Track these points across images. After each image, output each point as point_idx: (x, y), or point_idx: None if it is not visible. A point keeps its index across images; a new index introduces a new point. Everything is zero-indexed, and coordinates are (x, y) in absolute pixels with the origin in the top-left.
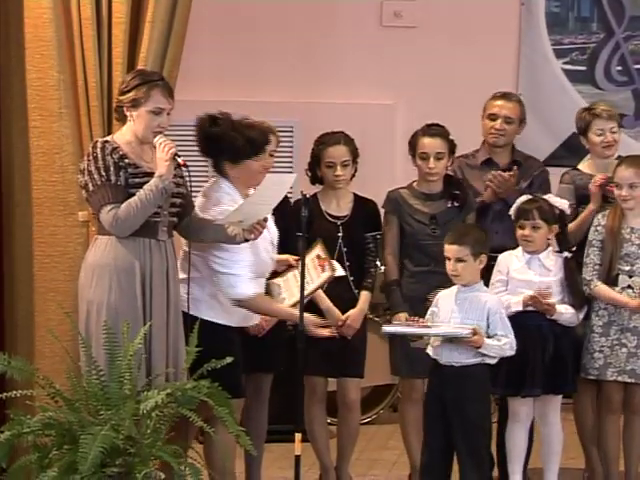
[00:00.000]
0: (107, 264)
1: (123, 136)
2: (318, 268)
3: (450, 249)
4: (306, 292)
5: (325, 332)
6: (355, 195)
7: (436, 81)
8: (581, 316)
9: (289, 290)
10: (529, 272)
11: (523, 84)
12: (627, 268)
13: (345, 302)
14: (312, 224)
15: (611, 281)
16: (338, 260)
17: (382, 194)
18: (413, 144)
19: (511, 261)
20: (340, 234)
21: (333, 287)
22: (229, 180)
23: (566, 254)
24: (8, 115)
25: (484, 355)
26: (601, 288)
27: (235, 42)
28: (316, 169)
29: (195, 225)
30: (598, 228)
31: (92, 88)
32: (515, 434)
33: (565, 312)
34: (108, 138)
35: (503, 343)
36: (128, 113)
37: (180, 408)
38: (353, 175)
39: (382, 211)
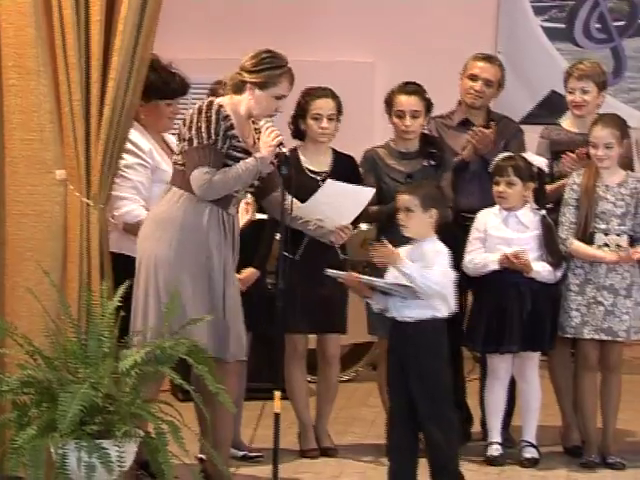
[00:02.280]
0: (174, 218)
1: (235, 106)
2: (244, 212)
3: (400, 198)
4: None
5: None
6: (334, 151)
7: (415, 39)
8: (559, 274)
9: None
10: (506, 229)
11: (502, 42)
12: (603, 226)
13: (324, 256)
14: (291, 179)
15: (587, 239)
16: None
17: (361, 152)
18: (389, 102)
19: (488, 218)
20: None
21: (313, 241)
22: (140, 122)
23: (543, 212)
24: None
25: (435, 309)
26: (577, 245)
27: (216, 1)
28: (300, 122)
29: (290, 218)
30: (574, 187)
31: (70, 46)
32: (494, 391)
33: (542, 270)
34: (222, 103)
35: (422, 267)
36: (250, 91)
37: (159, 366)
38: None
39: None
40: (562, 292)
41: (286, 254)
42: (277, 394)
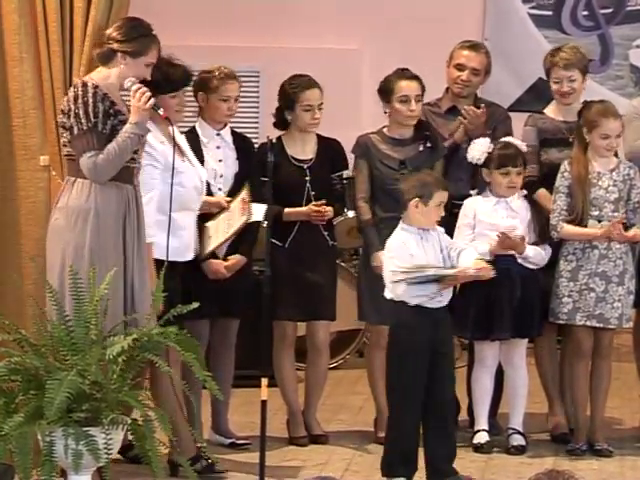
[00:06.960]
0: (90, 208)
1: (105, 79)
2: (241, 212)
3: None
4: (224, 237)
5: None
6: (318, 136)
7: (402, 25)
8: (545, 252)
9: (216, 232)
10: (496, 215)
11: (489, 29)
12: (596, 213)
13: (314, 243)
14: (278, 169)
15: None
16: (306, 204)
17: (348, 139)
18: (389, 89)
19: (477, 205)
20: (307, 178)
21: (302, 228)
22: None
23: (524, 192)
24: None
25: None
26: (568, 228)
27: None
28: (285, 112)
29: None
30: (565, 174)
31: (53, 32)
32: (482, 378)
33: (534, 254)
34: (96, 82)
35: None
36: (122, 60)
37: (146, 354)
38: None
39: (351, 156)
40: (553, 278)
41: (275, 241)
42: (264, 381)
